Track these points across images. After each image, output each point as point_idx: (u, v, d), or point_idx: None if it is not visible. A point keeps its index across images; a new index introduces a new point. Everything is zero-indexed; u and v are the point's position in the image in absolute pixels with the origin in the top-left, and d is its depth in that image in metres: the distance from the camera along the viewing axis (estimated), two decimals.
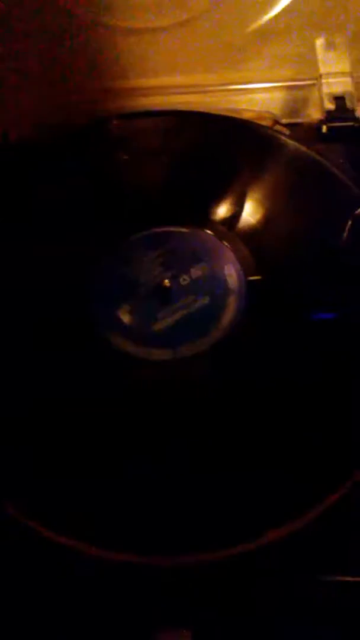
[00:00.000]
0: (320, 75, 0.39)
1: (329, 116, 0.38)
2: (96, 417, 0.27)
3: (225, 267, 0.33)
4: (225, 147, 0.36)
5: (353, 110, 0.38)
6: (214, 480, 0.26)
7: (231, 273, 0.33)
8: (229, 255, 0.33)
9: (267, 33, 0.43)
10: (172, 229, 0.34)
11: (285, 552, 0.25)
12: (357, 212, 0.32)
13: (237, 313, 0.31)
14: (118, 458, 0.27)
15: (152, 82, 0.45)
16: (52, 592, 0.25)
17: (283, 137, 0.37)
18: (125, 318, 0.32)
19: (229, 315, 0.31)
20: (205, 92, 0.44)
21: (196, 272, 0.33)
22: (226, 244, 0.34)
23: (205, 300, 0.32)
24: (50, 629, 0.25)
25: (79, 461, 0.26)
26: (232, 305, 0.32)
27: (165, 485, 0.26)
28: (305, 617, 0.25)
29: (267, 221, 0.34)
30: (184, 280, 0.33)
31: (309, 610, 0.25)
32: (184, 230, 0.34)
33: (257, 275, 0.32)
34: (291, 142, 0.36)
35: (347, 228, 0.33)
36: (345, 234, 0.32)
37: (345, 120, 0.38)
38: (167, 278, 0.32)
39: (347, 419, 0.27)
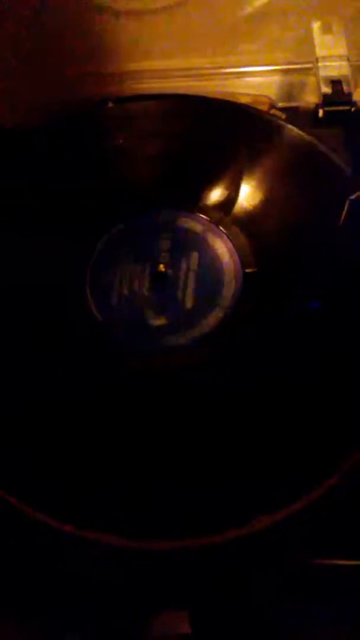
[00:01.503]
0: (317, 59, 0.38)
1: (326, 100, 0.37)
2: (80, 402, 0.27)
3: (223, 259, 0.33)
4: (222, 131, 0.36)
5: (350, 94, 0.38)
6: (210, 464, 0.26)
7: (228, 266, 0.32)
8: (226, 244, 0.33)
9: (263, 16, 0.42)
10: (169, 213, 0.34)
11: (281, 536, 0.25)
12: (353, 196, 0.32)
13: (229, 306, 0.31)
14: (109, 443, 0.27)
15: (146, 65, 0.44)
16: (49, 576, 0.26)
17: (280, 122, 0.37)
18: (115, 299, 0.31)
19: (221, 307, 0.31)
20: (200, 75, 0.43)
21: (193, 261, 0.33)
22: (223, 230, 0.34)
23: (199, 290, 0.32)
24: (48, 612, 0.26)
25: (71, 447, 0.27)
26: (225, 298, 0.31)
27: (161, 470, 0.26)
28: (301, 600, 0.25)
29: (263, 206, 0.34)
30: (180, 268, 0.32)
31: (305, 593, 0.25)
32: (182, 216, 0.34)
33: (253, 264, 0.32)
34: (288, 126, 0.36)
35: (343, 213, 0.32)
36: (341, 219, 0.32)
37: (342, 104, 0.37)
38: (163, 264, 0.32)
39: (342, 405, 0.27)
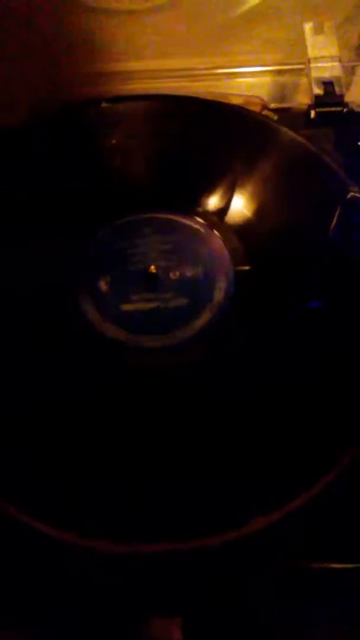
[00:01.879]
0: (309, 60, 0.39)
1: (318, 101, 0.38)
2: (76, 403, 0.27)
3: (216, 259, 0.33)
4: (215, 132, 0.36)
5: (342, 96, 0.38)
6: (204, 466, 0.26)
7: (221, 266, 0.32)
8: (219, 244, 0.33)
9: (255, 17, 0.42)
10: (162, 214, 0.34)
11: (277, 537, 0.25)
12: (346, 197, 0.32)
13: (222, 305, 0.31)
14: (104, 444, 0.26)
15: (138, 65, 0.44)
16: (45, 582, 0.25)
17: (272, 123, 0.36)
18: (103, 287, 0.32)
19: (201, 321, 0.31)
20: (192, 76, 0.43)
21: (186, 262, 0.33)
22: (215, 231, 0.33)
23: (184, 301, 0.31)
24: (44, 617, 0.25)
25: (67, 448, 0.26)
26: (218, 298, 0.31)
27: (154, 473, 0.26)
28: (296, 602, 0.25)
29: (256, 208, 0.34)
30: (173, 268, 0.32)
31: (300, 595, 0.25)
32: (175, 216, 0.34)
33: (246, 263, 0.32)
34: (280, 128, 0.36)
35: (335, 214, 0.32)
36: (334, 221, 0.32)
37: (334, 105, 0.37)
38: (155, 265, 0.32)
39: (338, 401, 0.27)
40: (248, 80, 0.43)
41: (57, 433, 0.27)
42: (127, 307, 0.31)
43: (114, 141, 0.36)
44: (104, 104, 0.37)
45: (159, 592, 0.25)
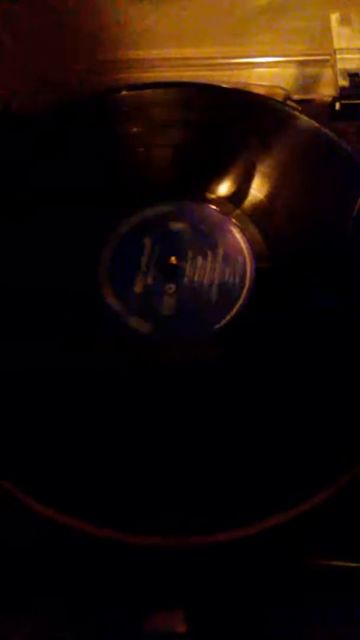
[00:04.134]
0: (335, 51, 0.38)
1: (343, 93, 0.37)
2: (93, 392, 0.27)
3: (237, 253, 0.32)
4: (237, 121, 0.35)
5: None
6: (215, 462, 0.25)
7: (242, 261, 0.32)
8: (240, 237, 0.33)
9: (280, 6, 0.41)
10: (183, 204, 0.34)
11: (279, 537, 0.25)
12: None
13: (242, 301, 0.31)
14: (119, 434, 0.26)
15: (159, 54, 0.44)
16: (46, 572, 0.25)
17: (296, 114, 0.36)
18: (126, 279, 0.31)
19: (234, 301, 0.31)
20: (213, 65, 0.43)
21: (206, 255, 0.32)
22: (237, 223, 0.33)
23: (211, 283, 0.31)
24: (44, 609, 0.25)
25: (74, 437, 0.26)
26: (239, 293, 0.31)
27: (164, 465, 0.25)
28: (297, 600, 0.25)
29: (277, 199, 0.34)
30: (193, 261, 0.32)
31: (301, 593, 0.25)
32: (196, 207, 0.34)
33: (267, 258, 0.32)
34: (304, 119, 0.35)
35: (357, 207, 0.32)
36: (355, 213, 0.32)
37: (359, 97, 0.37)
38: (176, 256, 0.32)
39: (352, 406, 0.27)
40: (271, 70, 0.42)
41: (80, 422, 0.27)
42: (147, 298, 0.31)
43: (135, 129, 0.35)
44: (124, 92, 0.37)
45: (164, 584, 0.25)
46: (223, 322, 0.30)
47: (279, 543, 0.25)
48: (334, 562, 0.25)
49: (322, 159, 0.34)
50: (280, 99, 0.39)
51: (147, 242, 0.33)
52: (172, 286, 0.31)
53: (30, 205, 0.32)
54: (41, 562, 0.25)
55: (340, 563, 0.25)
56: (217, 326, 0.30)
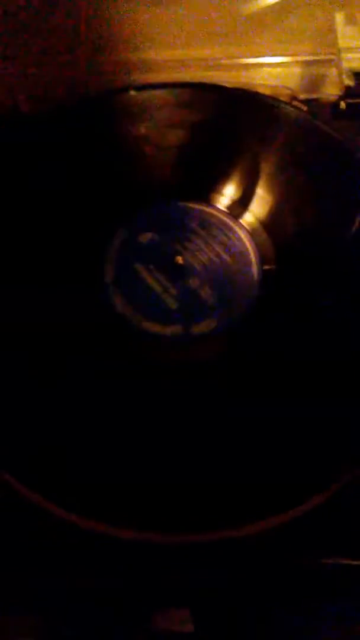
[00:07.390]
0: (340, 51, 0.38)
1: (348, 92, 0.37)
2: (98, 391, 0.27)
3: (242, 254, 0.32)
4: (243, 121, 0.36)
5: None
6: (215, 462, 0.26)
7: (248, 261, 0.32)
8: (246, 238, 0.33)
9: (285, 6, 0.41)
10: (189, 205, 0.34)
11: (283, 535, 0.25)
12: None
13: (247, 302, 0.31)
14: (129, 431, 0.27)
15: (165, 55, 0.44)
16: (51, 570, 0.25)
17: (302, 114, 0.36)
18: (131, 277, 0.32)
19: (238, 301, 0.31)
20: (219, 65, 0.43)
21: (211, 255, 0.32)
22: (243, 224, 0.33)
23: (210, 294, 0.31)
24: (50, 607, 0.26)
25: (77, 433, 0.26)
26: (243, 294, 0.31)
27: (170, 462, 0.26)
28: (302, 599, 0.25)
29: (283, 200, 0.34)
30: (198, 261, 0.32)
31: (306, 592, 0.25)
32: (202, 208, 0.34)
33: (272, 260, 0.32)
34: (310, 120, 0.35)
35: None
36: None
37: None
38: (181, 256, 0.32)
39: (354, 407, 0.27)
40: (276, 71, 0.42)
41: (88, 420, 0.27)
42: (152, 297, 0.31)
43: (142, 130, 0.35)
44: (132, 92, 0.37)
45: (171, 582, 0.25)
46: (226, 322, 0.30)
47: (279, 543, 0.25)
48: (338, 561, 0.25)
49: (328, 159, 0.35)
50: (286, 99, 0.39)
51: (153, 241, 0.33)
52: (177, 284, 0.31)
53: (37, 204, 0.33)
54: (43, 561, 0.25)
55: (344, 561, 0.25)
56: (221, 325, 0.30)
